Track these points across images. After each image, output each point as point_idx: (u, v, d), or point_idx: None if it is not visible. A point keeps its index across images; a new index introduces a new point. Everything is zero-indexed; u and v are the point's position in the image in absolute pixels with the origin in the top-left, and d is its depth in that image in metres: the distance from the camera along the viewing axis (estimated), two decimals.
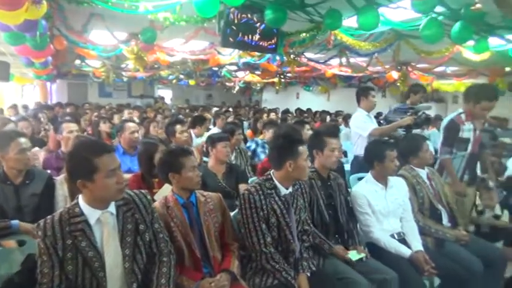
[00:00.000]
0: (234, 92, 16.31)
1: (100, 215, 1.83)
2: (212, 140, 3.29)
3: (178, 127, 3.95)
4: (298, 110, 13.10)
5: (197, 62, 9.25)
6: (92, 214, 1.83)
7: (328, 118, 9.80)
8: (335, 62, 8.15)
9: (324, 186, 2.71)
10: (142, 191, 2.05)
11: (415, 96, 4.59)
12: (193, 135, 5.50)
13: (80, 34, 5.48)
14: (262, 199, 2.27)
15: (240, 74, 12.72)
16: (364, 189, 2.82)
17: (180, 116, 7.16)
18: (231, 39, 4.52)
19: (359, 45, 5.22)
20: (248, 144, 4.82)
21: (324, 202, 2.67)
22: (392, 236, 2.77)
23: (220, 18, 4.44)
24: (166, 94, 19.95)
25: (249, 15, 4.58)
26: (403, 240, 2.76)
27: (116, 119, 5.83)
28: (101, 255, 1.80)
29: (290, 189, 2.37)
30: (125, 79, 14.25)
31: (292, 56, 6.99)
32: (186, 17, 4.41)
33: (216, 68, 11.17)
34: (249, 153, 4.42)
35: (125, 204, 1.93)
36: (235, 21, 4.49)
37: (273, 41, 4.86)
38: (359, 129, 4.29)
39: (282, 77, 13.17)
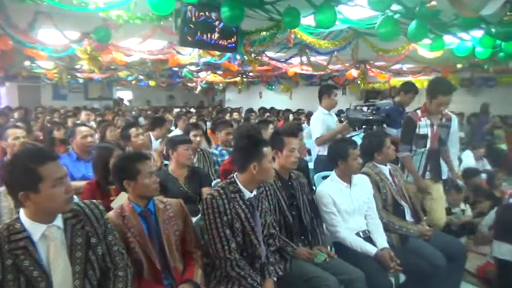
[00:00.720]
0: (197, 92, 16.07)
1: (45, 229, 1.66)
2: (173, 143, 3.13)
3: (133, 130, 3.76)
4: (262, 109, 13.09)
5: (156, 62, 8.97)
6: (35, 229, 1.65)
7: (291, 117, 9.81)
8: (296, 60, 8.16)
9: (285, 187, 2.65)
10: (94, 201, 1.88)
11: (404, 96, 4.58)
12: (152, 138, 5.30)
13: (25, 33, 5.11)
14: (226, 203, 2.17)
15: (202, 74, 12.52)
16: (329, 188, 2.78)
17: (141, 119, 6.93)
18: (189, 38, 4.36)
19: (319, 43, 5.22)
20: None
21: (286, 203, 2.61)
22: (357, 234, 2.75)
23: (177, 17, 4.26)
24: (126, 95, 19.39)
25: (206, 13, 4.43)
26: (368, 238, 2.75)
27: (70, 122, 5.48)
28: (47, 275, 1.63)
29: (254, 192, 2.28)
30: (81, 80, 13.66)
31: (253, 55, 6.89)
32: (140, 15, 4.21)
33: (176, 68, 10.90)
34: (214, 157, 4.27)
35: (74, 217, 1.76)
36: (193, 20, 4.33)
37: (232, 40, 4.74)
38: (314, 131, 4.44)
39: (244, 76, 13.08)
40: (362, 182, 2.89)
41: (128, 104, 17.91)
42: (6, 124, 7.31)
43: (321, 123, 4.38)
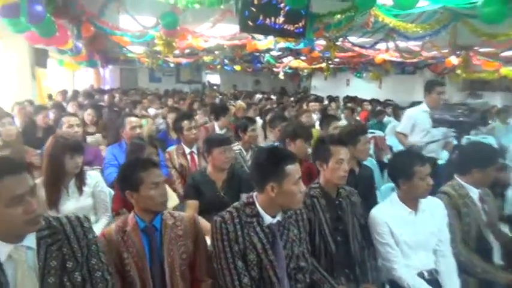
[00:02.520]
0: (282, 77, 15.66)
1: (11, 250, 1.43)
2: (207, 145, 2.77)
3: (185, 123, 3.49)
4: (347, 98, 12.23)
5: (235, 48, 8.76)
6: (1, 249, 1.41)
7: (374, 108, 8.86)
8: (383, 46, 7.25)
9: (330, 207, 2.15)
10: (81, 217, 1.59)
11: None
12: (217, 128, 5.04)
13: (103, 20, 5.21)
14: (239, 229, 1.75)
15: (286, 59, 12.06)
16: (386, 213, 2.19)
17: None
18: (250, 22, 3.97)
19: (405, 27, 4.40)
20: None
21: (330, 227, 2.10)
22: (420, 274, 2.13)
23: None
24: (214, 79, 19.80)
25: None
26: (435, 281, 2.12)
27: (138, 109, 5.47)
28: None
29: (278, 218, 1.82)
30: (172, 65, 14.18)
31: (331, 40, 6.24)
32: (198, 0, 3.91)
33: (257, 53, 10.60)
34: None
35: (51, 235, 1.49)
36: (255, 2, 3.92)
37: (300, 24, 4.23)
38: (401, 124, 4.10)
39: (329, 62, 12.29)
40: (433, 208, 2.23)
41: (215, 88, 18.26)
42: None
43: (408, 119, 3.99)
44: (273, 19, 4.03)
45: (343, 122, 6.25)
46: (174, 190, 3.18)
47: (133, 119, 3.46)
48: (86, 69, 13.06)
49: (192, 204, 2.64)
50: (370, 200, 2.79)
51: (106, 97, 8.42)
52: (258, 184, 1.78)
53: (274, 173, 1.71)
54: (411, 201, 2.18)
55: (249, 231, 1.75)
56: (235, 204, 1.86)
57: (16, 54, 6.04)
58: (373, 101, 10.47)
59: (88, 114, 4.62)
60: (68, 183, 2.44)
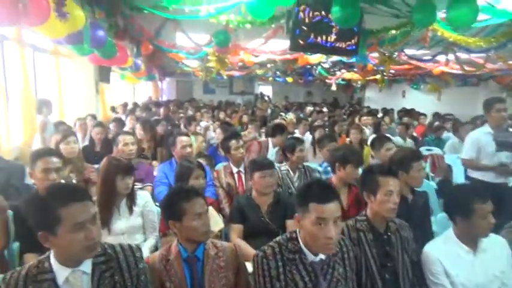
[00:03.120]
0: (334, 89, 15.38)
1: (69, 274, 1.49)
2: (250, 167, 2.76)
3: (233, 142, 3.51)
4: (402, 111, 11.70)
5: (286, 62, 8.74)
6: (60, 272, 1.49)
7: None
8: (442, 58, 6.85)
9: (377, 242, 2.02)
10: (133, 246, 1.65)
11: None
12: (270, 145, 5.01)
13: (160, 39, 5.44)
14: (280, 266, 1.70)
15: (338, 71, 11.84)
16: (441, 251, 2.02)
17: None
18: (300, 41, 3.92)
19: (466, 41, 4.12)
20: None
21: (377, 263, 1.98)
22: None
23: (289, 18, 3.86)
24: (266, 90, 19.94)
25: (323, 13, 3.91)
26: None
27: (193, 126, 5.59)
28: None
29: (322, 256, 1.74)
30: (225, 77, 14.48)
31: (386, 54, 6.01)
32: (250, 19, 3.93)
33: (309, 66, 10.51)
34: (317, 174, 3.73)
35: (105, 262, 1.56)
36: (306, 21, 3.87)
37: (352, 41, 4.10)
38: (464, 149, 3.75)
39: (384, 74, 11.86)
40: (495, 247, 2.02)
41: (266, 99, 18.34)
42: (149, 118, 8.13)
43: (471, 143, 3.65)
44: (324, 37, 3.95)
45: (397, 140, 5.98)
46: (221, 210, 3.21)
47: (184, 138, 3.52)
48: (145, 83, 13.76)
49: (236, 228, 2.62)
50: (424, 231, 2.60)
51: (162, 110, 8.75)
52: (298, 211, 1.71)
53: (301, 206, 1.66)
54: (470, 239, 2.00)
55: (291, 269, 1.69)
56: (278, 238, 1.80)
57: (83, 72, 6.48)
58: (437, 116, 9.91)
59: (139, 130, 4.81)
60: (120, 203, 2.53)
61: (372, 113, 9.97)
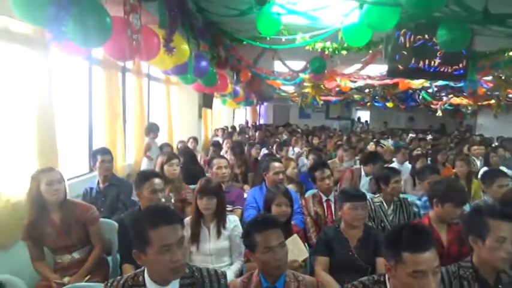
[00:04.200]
0: (440, 115, 14.18)
1: None
2: (340, 197, 2.62)
3: (318, 173, 3.38)
4: None
5: (387, 86, 8.36)
6: None
7: None
8: None
9: None
10: (219, 272, 1.70)
11: None
12: (362, 173, 4.78)
13: (258, 67, 5.67)
14: None
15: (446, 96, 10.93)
16: None
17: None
18: (400, 66, 3.71)
19: None
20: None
21: None
22: None
23: (388, 43, 3.69)
24: (364, 116, 19.29)
25: (426, 36, 3.66)
26: None
27: (285, 152, 5.62)
28: None
29: None
30: (321, 102, 14.42)
31: (502, 77, 5.36)
32: (347, 46, 3.86)
33: (411, 91, 9.90)
34: (415, 208, 3.42)
35: (191, 285, 1.62)
36: (407, 45, 3.66)
37: (460, 65, 3.74)
38: None
39: (500, 99, 10.57)
40: None
41: (364, 124, 17.71)
42: (243, 142, 8.43)
43: None
44: (427, 62, 3.68)
45: None
46: (308, 239, 3.12)
47: (277, 164, 3.52)
48: (244, 107, 14.43)
49: (322, 261, 2.50)
50: None
51: (257, 133, 9.00)
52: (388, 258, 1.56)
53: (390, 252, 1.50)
54: None
55: None
56: (364, 279, 1.67)
57: (187, 98, 7.04)
58: None
59: (230, 155, 4.97)
60: (210, 224, 2.62)
61: (485, 142, 8.89)
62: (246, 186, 4.37)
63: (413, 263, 1.44)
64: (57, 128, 2.95)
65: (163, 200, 2.78)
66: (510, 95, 9.72)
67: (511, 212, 1.82)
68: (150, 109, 5.96)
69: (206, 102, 7.92)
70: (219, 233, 2.61)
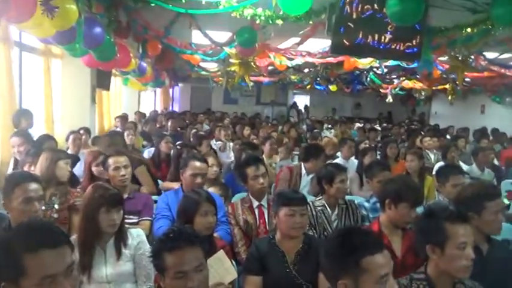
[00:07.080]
0: (390, 101, 15.19)
1: None
2: (276, 202, 2.70)
3: (250, 170, 3.43)
4: (479, 131, 11.33)
5: (330, 66, 8.73)
6: None
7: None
8: None
9: None
10: None
11: None
12: (303, 171, 4.94)
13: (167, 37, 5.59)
14: None
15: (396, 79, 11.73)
16: None
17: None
18: (345, 41, 3.90)
19: None
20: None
21: None
22: None
23: (331, 13, 3.85)
24: (303, 101, 19.95)
25: (375, 7, 3.88)
26: None
27: (204, 146, 5.60)
28: None
29: None
30: (251, 84, 14.63)
31: (459, 58, 5.89)
32: (283, 14, 3.95)
33: (358, 72, 10.47)
34: (364, 212, 3.64)
35: None
36: (354, 16, 3.85)
37: (413, 42, 4.03)
38: None
39: (457, 83, 11.61)
40: None
41: (303, 111, 18.34)
42: (153, 131, 8.27)
43: None
44: (376, 37, 3.90)
45: (472, 169, 5.75)
46: (236, 255, 3.16)
47: (198, 164, 3.45)
48: (153, 90, 14.09)
49: (253, 282, 2.56)
50: None
51: (170, 123, 8.86)
52: (330, 279, 1.65)
53: (347, 267, 1.59)
54: None
55: None
56: None
57: (76, 76, 6.70)
58: None
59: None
60: (105, 244, 2.53)
61: (439, 133, 9.73)
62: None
63: (378, 266, 1.57)
64: None
65: (42, 209, 2.63)
66: (467, 79, 10.70)
67: (466, 212, 2.02)
68: (23, 90, 5.58)
69: (101, 81, 7.61)
70: (119, 254, 2.53)
